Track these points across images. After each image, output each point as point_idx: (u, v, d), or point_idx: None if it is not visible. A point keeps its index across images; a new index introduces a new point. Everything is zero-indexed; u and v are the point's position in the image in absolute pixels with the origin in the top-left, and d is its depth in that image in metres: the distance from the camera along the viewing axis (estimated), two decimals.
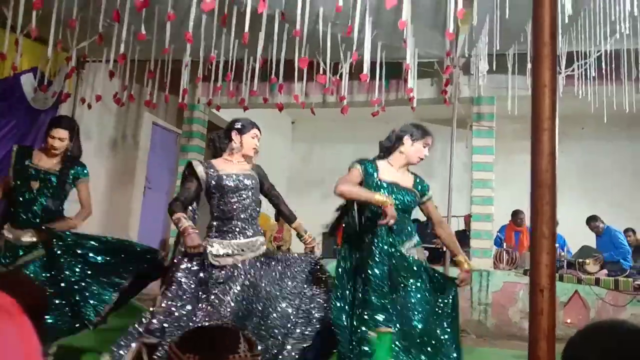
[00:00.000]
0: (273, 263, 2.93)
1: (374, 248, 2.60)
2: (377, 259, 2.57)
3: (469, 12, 3.95)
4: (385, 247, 2.62)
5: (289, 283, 2.87)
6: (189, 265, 2.76)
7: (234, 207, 2.88)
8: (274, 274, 2.88)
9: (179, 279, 2.71)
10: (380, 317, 2.45)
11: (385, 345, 2.35)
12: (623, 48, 4.93)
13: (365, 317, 2.51)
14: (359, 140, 10.05)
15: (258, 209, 3.12)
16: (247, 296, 2.73)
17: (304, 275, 2.92)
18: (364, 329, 2.47)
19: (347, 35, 4.11)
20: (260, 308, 2.75)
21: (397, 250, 2.66)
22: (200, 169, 2.90)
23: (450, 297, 2.69)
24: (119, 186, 7.15)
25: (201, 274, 2.74)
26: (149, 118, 7.47)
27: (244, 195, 2.91)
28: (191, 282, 2.72)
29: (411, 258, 2.71)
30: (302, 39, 4.41)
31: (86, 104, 5.84)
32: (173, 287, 2.69)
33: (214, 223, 2.90)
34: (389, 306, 2.50)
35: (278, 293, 2.82)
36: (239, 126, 3.00)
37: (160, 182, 7.87)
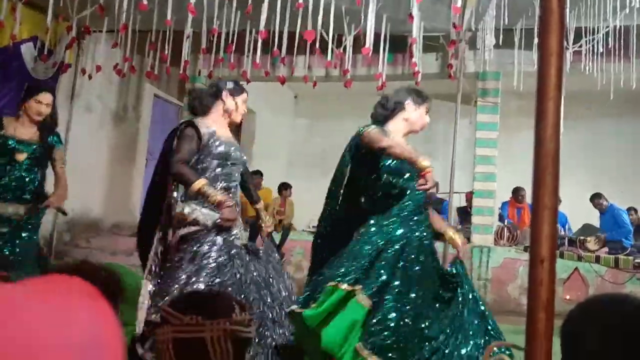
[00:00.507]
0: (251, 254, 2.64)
1: (398, 210, 2.37)
2: (394, 220, 2.34)
3: None
4: (406, 228, 2.37)
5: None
6: (217, 238, 2.47)
7: (225, 178, 2.59)
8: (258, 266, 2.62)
9: (207, 252, 2.42)
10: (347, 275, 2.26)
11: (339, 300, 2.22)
12: (633, 24, 4.83)
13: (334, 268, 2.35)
14: (362, 115, 9.96)
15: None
16: (237, 287, 2.46)
17: (268, 265, 2.68)
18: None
19: (357, 4, 4.00)
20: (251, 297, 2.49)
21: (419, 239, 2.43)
22: (204, 130, 2.56)
23: (460, 279, 2.46)
24: (121, 159, 7.15)
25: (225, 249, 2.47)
26: (150, 90, 7.43)
27: (234, 168, 2.66)
28: (218, 255, 2.44)
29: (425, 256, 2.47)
30: (307, 11, 4.33)
31: (87, 75, 5.79)
32: (203, 262, 2.41)
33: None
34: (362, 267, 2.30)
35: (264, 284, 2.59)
36: (232, 87, 2.68)
37: None
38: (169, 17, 4.56)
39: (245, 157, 2.80)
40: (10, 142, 3.17)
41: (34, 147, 3.24)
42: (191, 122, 2.58)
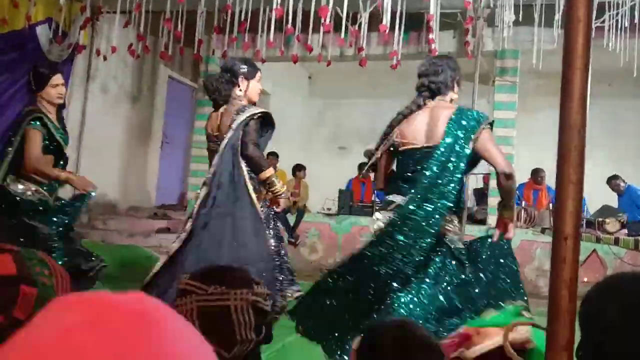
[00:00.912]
0: None
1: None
2: None
3: None
4: None
5: None
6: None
7: None
8: None
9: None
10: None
11: None
12: None
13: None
14: (377, 96, 9.89)
15: None
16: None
17: None
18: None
19: None
20: None
21: None
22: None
23: None
24: (137, 140, 7.19)
25: None
26: (165, 72, 7.43)
27: None
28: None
29: None
30: None
31: (101, 56, 5.79)
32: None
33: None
34: None
35: None
36: (246, 70, 2.73)
37: (177, 136, 7.90)
38: None
39: None
40: (58, 135, 3.10)
41: (64, 133, 3.19)
42: (265, 112, 2.71)
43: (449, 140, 2.14)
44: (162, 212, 6.98)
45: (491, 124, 2.21)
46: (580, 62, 0.86)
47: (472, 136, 2.14)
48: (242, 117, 2.68)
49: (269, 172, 2.64)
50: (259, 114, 2.70)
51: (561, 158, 0.86)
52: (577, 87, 0.86)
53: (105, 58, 5.75)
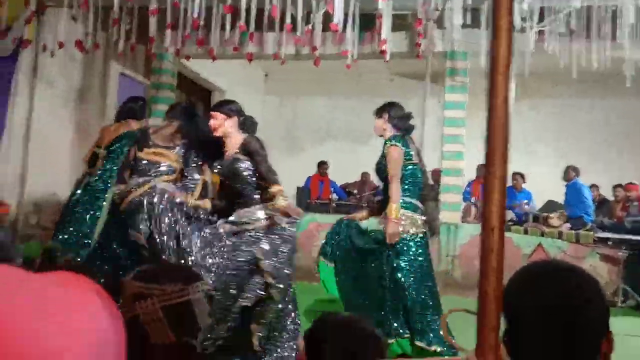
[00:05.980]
0: None
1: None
2: None
3: None
4: None
5: None
6: None
7: None
8: None
9: None
10: None
11: None
12: (594, 5, 4.93)
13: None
14: (333, 93, 9.99)
15: None
16: None
17: None
18: None
19: None
20: None
21: None
22: None
23: None
24: (87, 139, 6.97)
25: None
26: (116, 69, 7.24)
27: None
28: None
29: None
30: None
31: (48, 51, 5.60)
32: None
33: None
34: None
35: None
36: None
37: None
38: None
39: None
40: None
41: None
42: None
43: None
44: None
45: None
46: (503, 69, 0.93)
47: None
48: None
49: None
50: None
51: (487, 154, 0.93)
52: (500, 89, 0.93)
53: (52, 54, 5.57)
